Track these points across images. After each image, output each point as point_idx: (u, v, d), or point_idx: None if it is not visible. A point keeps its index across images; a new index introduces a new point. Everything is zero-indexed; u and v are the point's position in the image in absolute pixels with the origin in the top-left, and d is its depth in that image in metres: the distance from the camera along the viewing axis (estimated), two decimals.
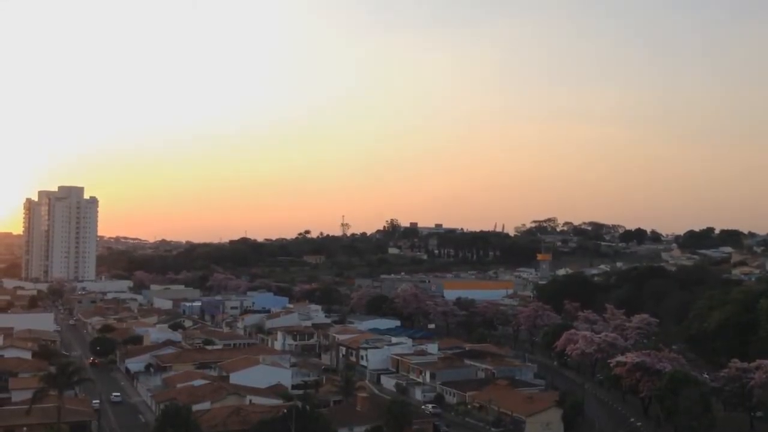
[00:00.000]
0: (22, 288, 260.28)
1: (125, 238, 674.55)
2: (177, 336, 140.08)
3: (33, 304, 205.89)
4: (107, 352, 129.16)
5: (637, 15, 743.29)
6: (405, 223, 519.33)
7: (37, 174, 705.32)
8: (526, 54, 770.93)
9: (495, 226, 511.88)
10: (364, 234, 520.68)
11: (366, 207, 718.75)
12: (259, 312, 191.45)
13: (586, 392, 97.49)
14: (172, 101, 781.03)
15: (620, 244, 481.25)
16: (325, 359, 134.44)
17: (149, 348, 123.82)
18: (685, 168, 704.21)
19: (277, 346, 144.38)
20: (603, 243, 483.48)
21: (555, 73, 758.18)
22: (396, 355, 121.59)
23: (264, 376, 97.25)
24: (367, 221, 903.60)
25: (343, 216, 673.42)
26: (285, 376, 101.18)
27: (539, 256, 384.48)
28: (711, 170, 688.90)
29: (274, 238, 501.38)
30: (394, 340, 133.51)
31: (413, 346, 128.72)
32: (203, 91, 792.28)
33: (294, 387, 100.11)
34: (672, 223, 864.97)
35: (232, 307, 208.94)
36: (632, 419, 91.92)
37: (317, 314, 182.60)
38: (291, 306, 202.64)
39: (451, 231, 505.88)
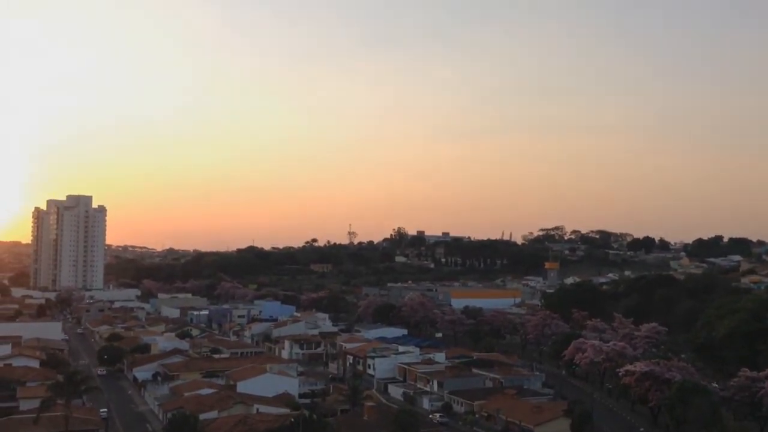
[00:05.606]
0: (30, 297, 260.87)
1: (133, 246, 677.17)
2: (184, 345, 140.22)
3: (41, 312, 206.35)
4: (115, 360, 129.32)
5: (646, 25, 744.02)
6: (412, 231, 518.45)
7: (46, 183, 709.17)
8: (533, 65, 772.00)
9: (502, 234, 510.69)
10: (371, 242, 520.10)
11: (373, 215, 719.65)
12: (266, 321, 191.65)
13: (595, 402, 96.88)
14: (180, 110, 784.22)
15: (628, 253, 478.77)
16: (332, 368, 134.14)
17: (157, 357, 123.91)
18: (694, 176, 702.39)
19: (284, 354, 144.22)
20: (611, 251, 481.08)
21: (562, 83, 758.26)
22: (403, 364, 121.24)
23: (271, 385, 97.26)
24: (374, 229, 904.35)
25: (350, 224, 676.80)
26: (292, 385, 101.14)
27: (547, 265, 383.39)
28: (720, 178, 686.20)
29: (281, 247, 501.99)
30: (401, 348, 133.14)
31: (420, 355, 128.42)
32: (212, 101, 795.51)
33: (301, 396, 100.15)
34: (680, 232, 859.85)
35: (239, 316, 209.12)
36: (641, 429, 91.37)
37: (324, 323, 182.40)
38: (298, 314, 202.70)
39: (459, 239, 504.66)
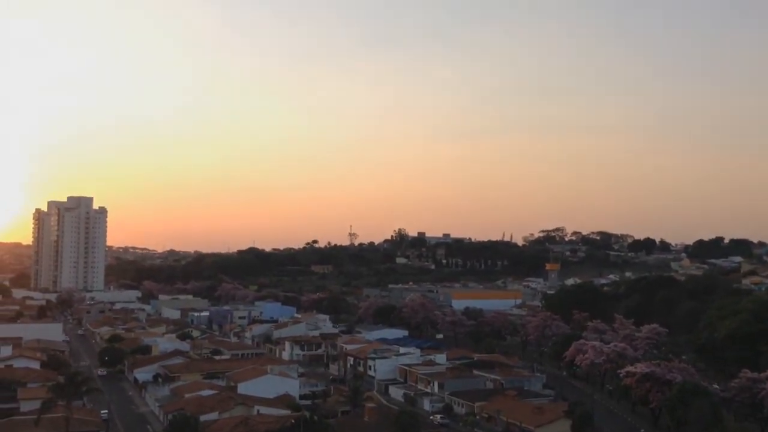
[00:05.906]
0: (31, 298, 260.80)
1: (134, 248, 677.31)
2: (185, 346, 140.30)
3: (42, 314, 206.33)
4: (115, 362, 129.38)
5: (647, 25, 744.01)
6: (413, 232, 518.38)
7: (46, 184, 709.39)
8: (533, 65, 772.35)
9: (503, 235, 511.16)
10: (371, 243, 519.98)
11: (373, 216, 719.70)
12: (266, 322, 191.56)
13: (596, 403, 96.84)
14: (180, 110, 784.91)
15: (629, 254, 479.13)
16: (333, 369, 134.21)
17: (157, 358, 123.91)
18: (694, 176, 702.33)
19: (285, 356, 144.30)
20: (612, 252, 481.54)
21: (562, 83, 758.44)
22: (404, 365, 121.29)
23: (272, 386, 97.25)
24: (375, 230, 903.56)
25: (350, 225, 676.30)
26: (293, 387, 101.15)
27: (548, 266, 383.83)
28: (720, 178, 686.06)
29: (281, 248, 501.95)
30: (402, 350, 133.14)
31: (421, 356, 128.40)
32: (212, 101, 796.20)
33: (302, 397, 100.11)
34: (681, 233, 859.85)
35: (240, 317, 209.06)
36: (642, 430, 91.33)
37: (325, 324, 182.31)
38: (299, 316, 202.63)
39: (459, 240, 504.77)
